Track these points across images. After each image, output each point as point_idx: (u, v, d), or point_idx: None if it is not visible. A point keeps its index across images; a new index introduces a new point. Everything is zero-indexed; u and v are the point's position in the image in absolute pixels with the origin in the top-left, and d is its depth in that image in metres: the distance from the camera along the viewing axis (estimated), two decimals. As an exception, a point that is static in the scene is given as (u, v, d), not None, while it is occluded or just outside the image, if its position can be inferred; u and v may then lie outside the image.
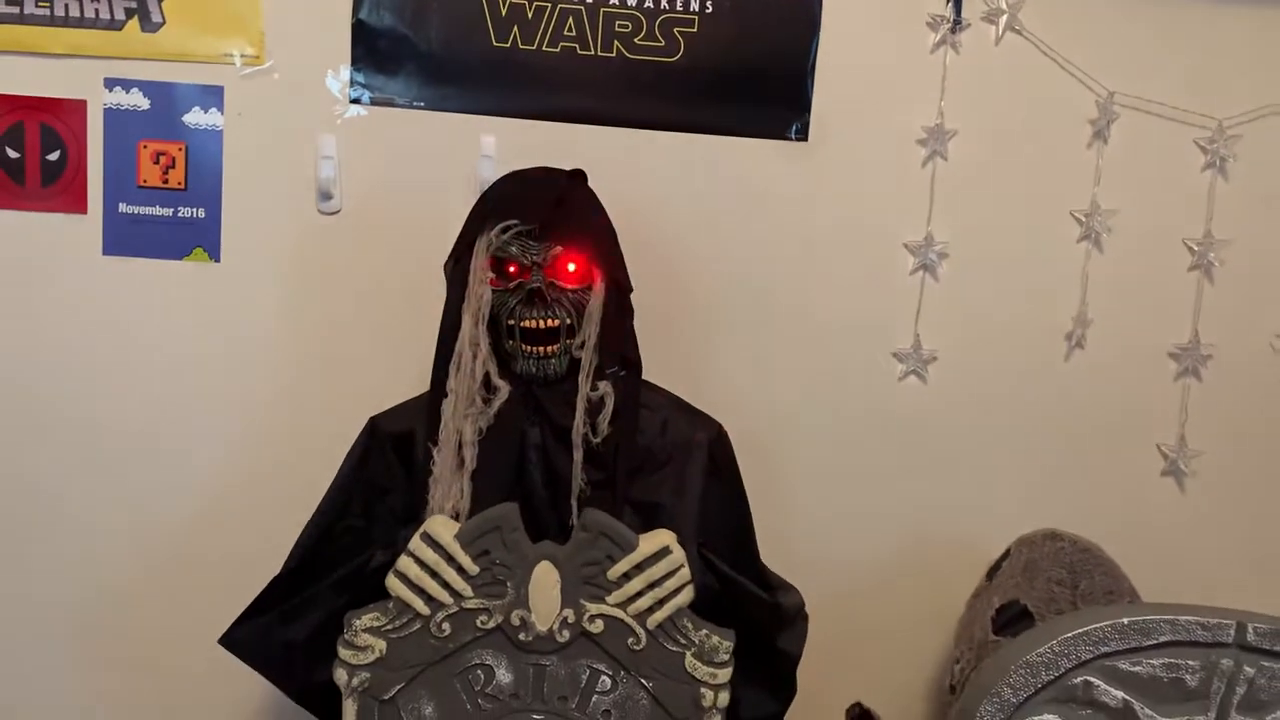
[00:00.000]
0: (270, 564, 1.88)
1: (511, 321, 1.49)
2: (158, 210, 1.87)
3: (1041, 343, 1.96)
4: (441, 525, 1.43)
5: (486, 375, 1.50)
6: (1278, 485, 2.00)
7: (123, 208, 1.87)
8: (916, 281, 1.94)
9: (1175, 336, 1.97)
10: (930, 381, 1.96)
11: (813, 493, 1.95)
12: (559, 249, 1.48)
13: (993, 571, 1.81)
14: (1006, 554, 1.81)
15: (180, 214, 1.87)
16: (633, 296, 1.58)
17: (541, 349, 1.49)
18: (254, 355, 1.89)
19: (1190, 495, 2.00)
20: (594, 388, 1.48)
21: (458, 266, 1.53)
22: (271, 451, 1.90)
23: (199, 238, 1.88)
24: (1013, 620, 1.68)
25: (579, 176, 1.56)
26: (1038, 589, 1.70)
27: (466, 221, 1.56)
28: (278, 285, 1.88)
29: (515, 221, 1.48)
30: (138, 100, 1.85)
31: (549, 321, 1.48)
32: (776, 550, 1.92)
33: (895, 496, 1.96)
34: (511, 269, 1.49)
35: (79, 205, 1.86)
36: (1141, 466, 1.99)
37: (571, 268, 1.49)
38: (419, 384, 1.88)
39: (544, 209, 1.47)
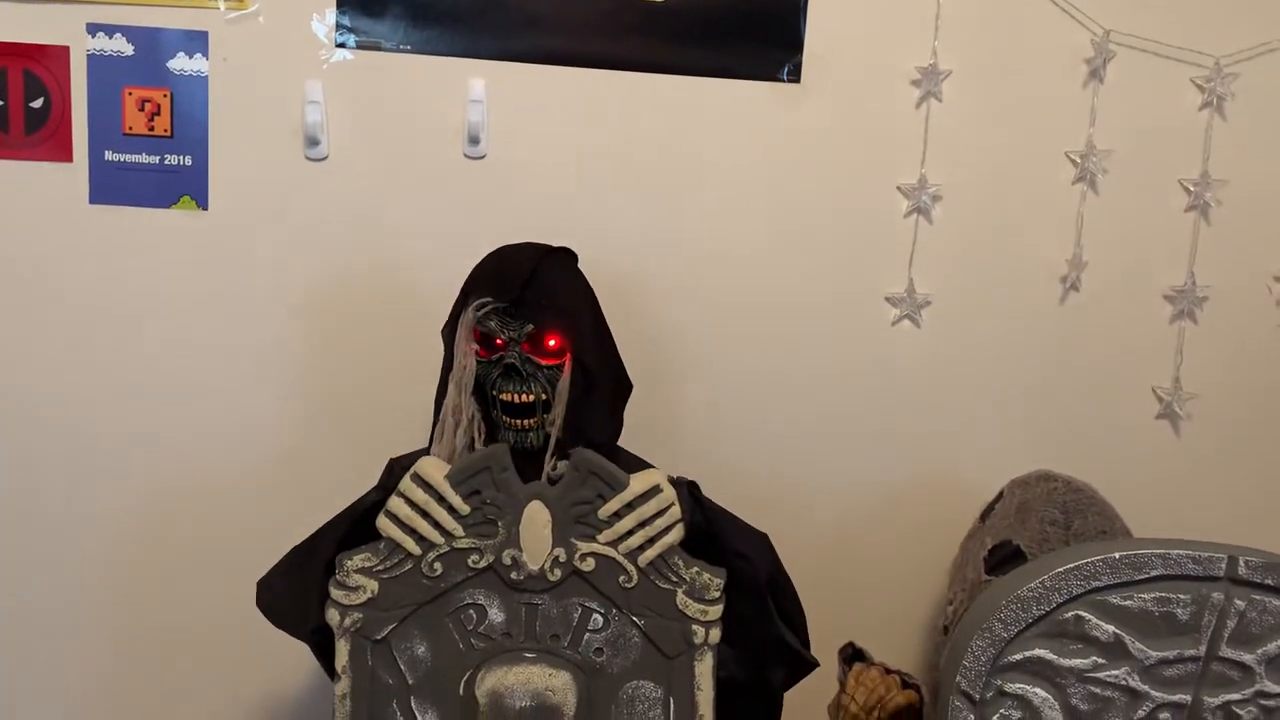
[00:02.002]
0: (260, 507, 1.89)
1: (494, 393, 1.53)
2: (144, 158, 1.85)
3: (1036, 286, 1.95)
4: (432, 465, 1.43)
5: (473, 441, 1.54)
6: (1273, 428, 2.00)
7: (108, 155, 1.85)
8: (910, 225, 1.92)
9: (1171, 278, 1.96)
10: (924, 326, 1.95)
11: (806, 438, 1.95)
12: (531, 326, 1.51)
13: (986, 513, 1.81)
14: (1000, 495, 1.80)
15: (167, 161, 1.86)
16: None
17: (519, 422, 1.52)
18: (243, 303, 1.87)
19: (1185, 438, 2.00)
20: (554, 466, 1.50)
21: (450, 334, 1.57)
22: (263, 399, 1.89)
23: (186, 185, 1.87)
24: (1005, 560, 1.68)
25: (558, 253, 1.59)
26: (1030, 529, 1.70)
27: (459, 293, 1.59)
28: (266, 233, 1.87)
29: (488, 299, 1.52)
30: (121, 46, 1.83)
31: (524, 396, 1.51)
32: (770, 496, 1.93)
33: (888, 441, 1.96)
34: (497, 341, 1.53)
35: (64, 153, 1.84)
36: (1136, 410, 1.99)
37: (552, 344, 1.52)
38: (408, 332, 1.89)
39: (515, 287, 1.51)
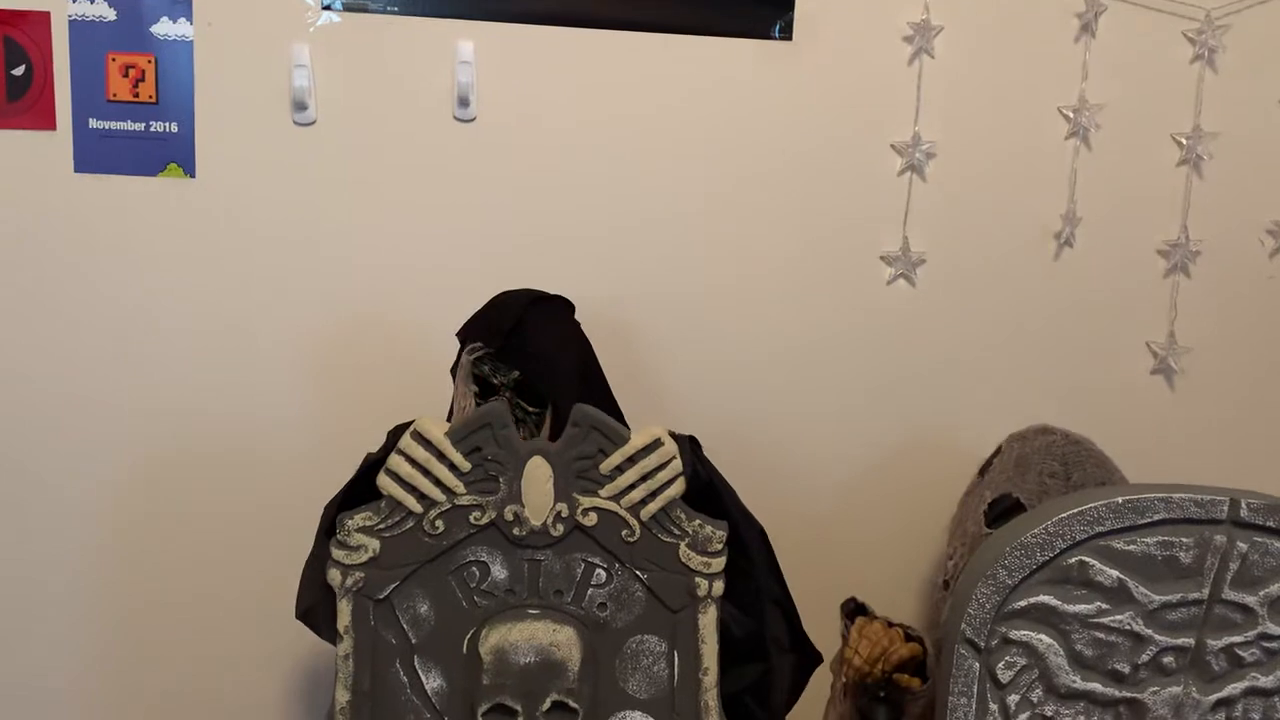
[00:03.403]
0: (253, 474, 1.88)
1: None
2: (129, 125, 1.83)
3: (1030, 242, 1.95)
4: (432, 423, 1.42)
5: None
6: (1266, 381, 2.01)
7: (93, 123, 1.82)
8: (904, 183, 1.92)
9: (1164, 233, 1.96)
10: (919, 284, 1.94)
11: (802, 399, 1.95)
12: (518, 372, 1.54)
13: (984, 468, 1.81)
14: (998, 451, 1.80)
15: (153, 129, 1.83)
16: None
17: None
18: (232, 272, 1.85)
19: (1180, 393, 2.00)
20: None
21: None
22: (252, 366, 1.87)
23: (173, 153, 1.84)
24: (1005, 513, 1.67)
25: (549, 302, 1.60)
26: (1030, 482, 1.70)
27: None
28: (255, 199, 1.85)
29: (479, 344, 1.56)
30: (103, 10, 1.80)
31: None
32: (768, 457, 1.93)
33: (885, 400, 1.96)
34: (493, 382, 1.56)
35: (47, 121, 1.82)
36: (1131, 365, 1.99)
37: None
38: (399, 297, 1.87)
39: (499, 335, 1.55)
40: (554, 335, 1.58)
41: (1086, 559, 1.39)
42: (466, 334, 1.60)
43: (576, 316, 1.65)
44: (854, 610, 1.68)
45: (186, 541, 1.90)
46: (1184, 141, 1.93)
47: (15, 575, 1.89)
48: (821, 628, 1.77)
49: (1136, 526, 1.39)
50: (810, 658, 1.55)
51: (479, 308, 1.62)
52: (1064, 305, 1.96)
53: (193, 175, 1.84)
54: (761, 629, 1.49)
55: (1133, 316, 1.98)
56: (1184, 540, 1.39)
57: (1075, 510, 1.38)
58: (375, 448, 1.46)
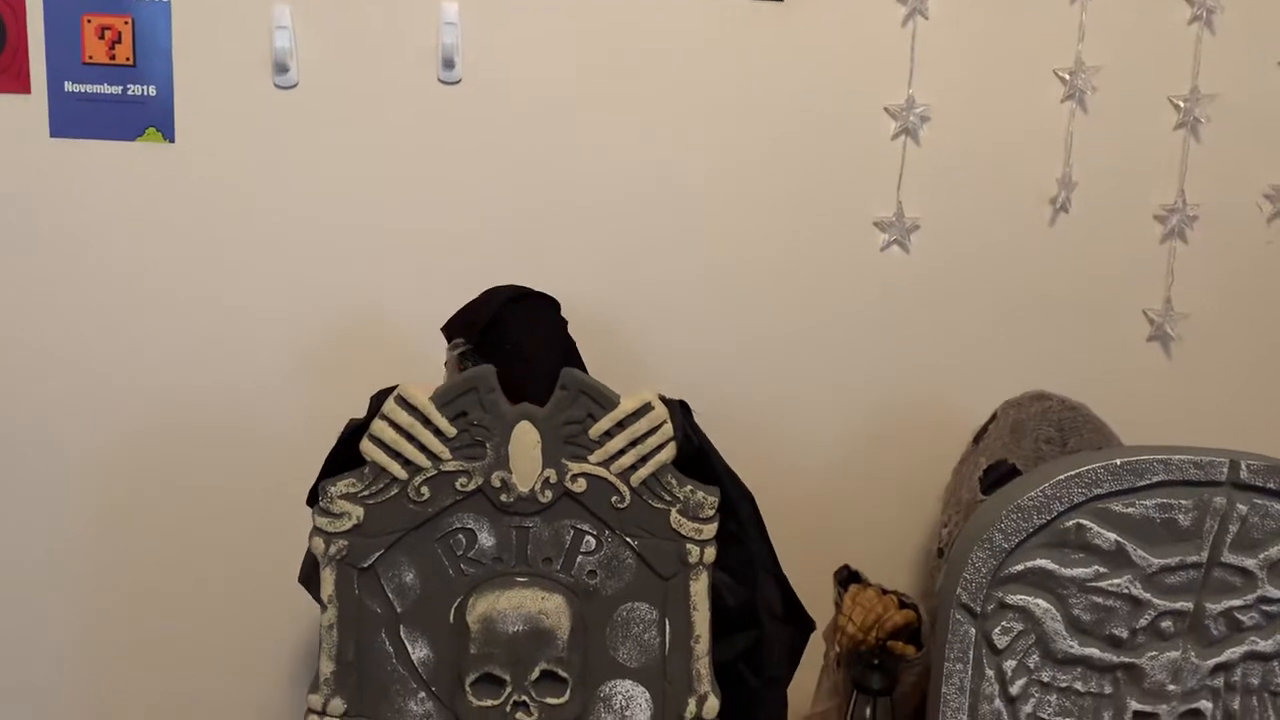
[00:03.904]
0: (237, 441, 1.84)
1: None
2: (106, 88, 1.78)
3: (1026, 207, 1.92)
4: (416, 388, 1.39)
5: None
6: (1264, 347, 1.99)
7: (68, 86, 1.78)
8: (898, 147, 1.89)
9: (1161, 197, 1.93)
10: (913, 251, 1.91)
11: (796, 365, 1.92)
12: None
13: (979, 436, 1.79)
14: (993, 417, 1.78)
15: (130, 92, 1.79)
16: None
17: None
18: (213, 238, 1.81)
19: (1176, 360, 1.98)
20: None
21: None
22: (236, 333, 1.83)
23: (151, 117, 1.80)
24: (1000, 480, 1.65)
25: (529, 300, 1.58)
26: (1025, 448, 1.68)
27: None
28: (235, 164, 1.81)
29: (460, 340, 1.55)
30: (78, -30, 1.75)
31: None
32: (760, 425, 1.91)
33: (878, 368, 1.93)
34: None
35: (21, 85, 1.77)
36: (1127, 332, 1.97)
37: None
38: (382, 261, 1.84)
39: (476, 331, 1.55)
40: (532, 333, 1.56)
41: (1084, 522, 1.37)
42: (450, 329, 1.60)
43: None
44: (847, 578, 1.66)
45: (170, 513, 1.87)
46: (1181, 104, 1.90)
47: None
48: (815, 596, 1.74)
49: (1135, 489, 1.37)
50: (805, 626, 1.53)
51: (468, 300, 1.60)
52: (1060, 271, 1.93)
53: (172, 140, 1.80)
54: (754, 596, 1.46)
55: (1129, 283, 1.95)
56: (1183, 503, 1.37)
57: (1073, 472, 1.36)
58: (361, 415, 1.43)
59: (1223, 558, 1.38)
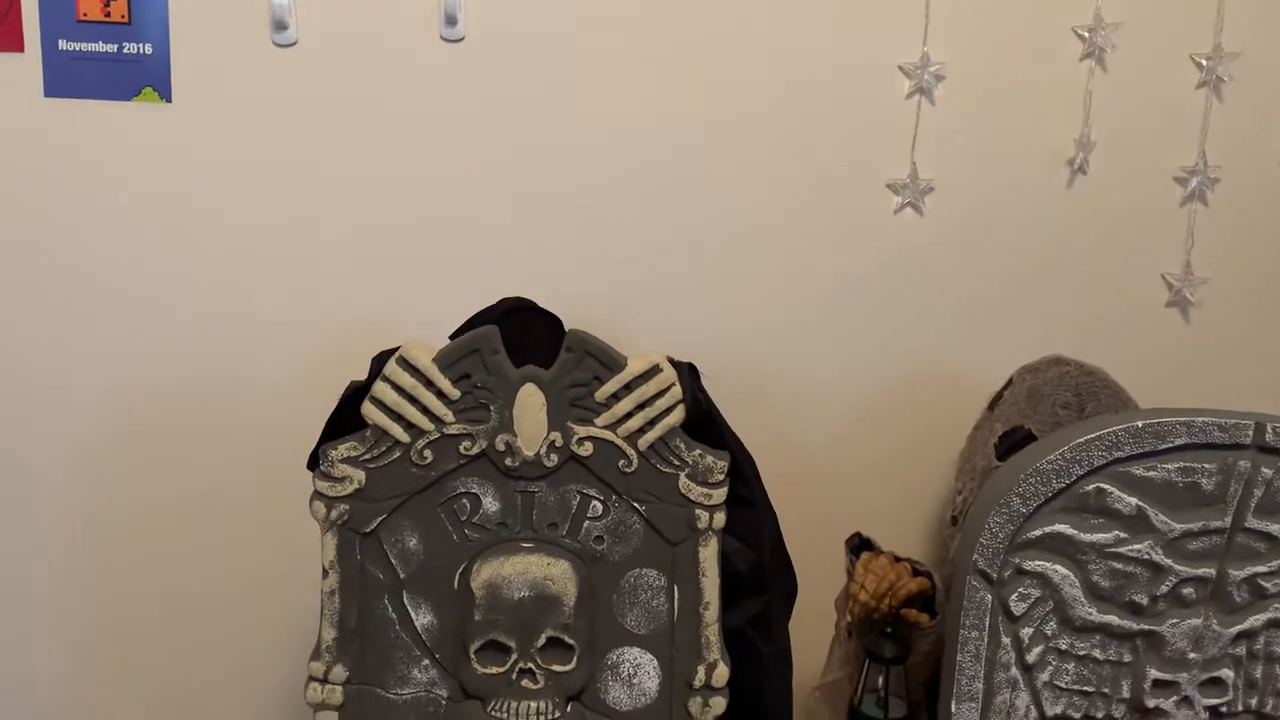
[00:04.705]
0: (242, 397, 1.82)
1: None
2: (100, 46, 1.74)
3: (1042, 169, 1.87)
4: (418, 349, 1.35)
5: None
6: (1285, 313, 1.95)
7: (62, 44, 1.74)
8: (912, 106, 1.84)
9: (1182, 159, 1.88)
10: (927, 214, 1.87)
11: (805, 332, 1.88)
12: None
13: (994, 402, 1.75)
14: (1009, 383, 1.74)
15: (125, 50, 1.75)
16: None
17: None
18: (211, 198, 1.78)
19: (1195, 326, 1.94)
20: None
21: None
22: (236, 297, 1.80)
23: (147, 76, 1.76)
24: (1016, 446, 1.61)
25: (524, 314, 1.52)
26: (1042, 414, 1.64)
27: None
28: (234, 124, 1.77)
29: None
30: (71, -76, 1.71)
31: None
32: (772, 390, 1.87)
33: (890, 333, 1.89)
34: None
35: (14, 43, 1.73)
36: (1145, 297, 1.92)
37: None
38: (386, 219, 1.80)
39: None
40: (519, 352, 1.47)
41: (1104, 486, 1.33)
42: (456, 336, 1.54)
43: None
44: (859, 546, 1.63)
45: (166, 482, 1.84)
46: (1204, 63, 1.84)
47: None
48: (826, 565, 1.72)
49: (1157, 452, 1.33)
50: (792, 589, 1.51)
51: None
52: (1077, 235, 1.89)
53: (168, 100, 1.76)
54: (763, 560, 1.43)
55: (1148, 246, 1.90)
56: (1206, 466, 1.33)
57: (1093, 435, 1.32)
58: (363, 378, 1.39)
59: (1246, 523, 1.35)
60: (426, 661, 1.40)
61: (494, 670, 1.37)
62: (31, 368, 1.81)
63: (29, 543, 1.85)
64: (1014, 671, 1.38)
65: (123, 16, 1.74)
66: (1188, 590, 1.36)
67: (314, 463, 1.37)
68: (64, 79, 1.75)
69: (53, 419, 1.82)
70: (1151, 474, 1.33)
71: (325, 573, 1.37)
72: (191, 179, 1.78)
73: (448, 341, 1.49)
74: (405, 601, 1.39)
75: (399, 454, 1.35)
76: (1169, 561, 1.35)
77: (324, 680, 1.38)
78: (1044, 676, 1.38)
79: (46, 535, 1.85)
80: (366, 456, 1.35)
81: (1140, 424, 1.32)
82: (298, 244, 1.80)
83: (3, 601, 1.87)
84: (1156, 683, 1.37)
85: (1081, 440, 1.32)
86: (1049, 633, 1.37)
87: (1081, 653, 1.38)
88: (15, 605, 1.87)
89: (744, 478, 1.43)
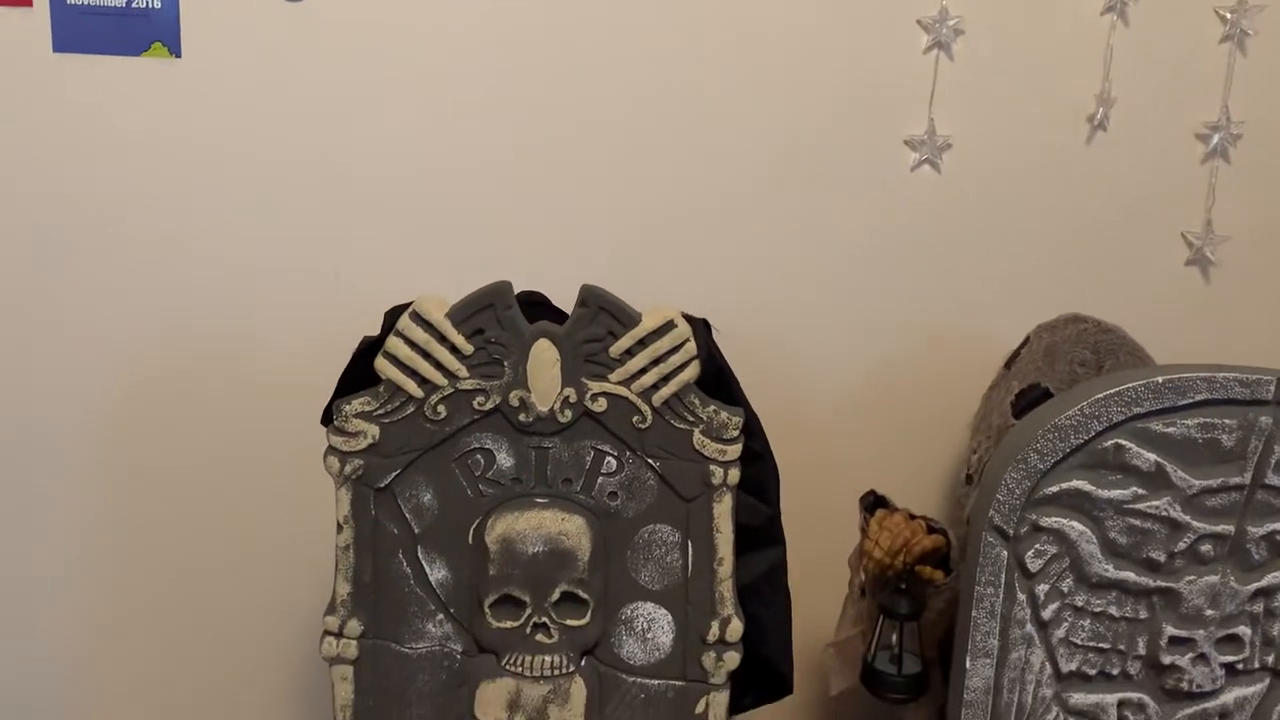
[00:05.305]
0: (250, 353, 1.81)
1: None
2: (109, 1, 1.72)
3: (1062, 125, 1.84)
4: (431, 303, 1.35)
5: None
6: (1306, 272, 1.92)
7: (70, -1, 1.72)
8: (930, 61, 1.81)
9: (1204, 114, 1.85)
10: (945, 171, 1.85)
11: (822, 290, 1.86)
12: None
13: (1011, 360, 1.74)
14: (1026, 342, 1.73)
15: (134, 5, 1.73)
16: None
17: None
18: (221, 155, 1.76)
19: (1215, 285, 1.92)
20: None
21: None
22: (245, 249, 1.79)
23: (157, 31, 1.74)
24: (1033, 403, 1.59)
25: (535, 308, 1.46)
26: (1060, 371, 1.62)
27: None
28: (244, 81, 1.75)
29: None
30: (80, -125, 1.69)
31: None
32: (789, 347, 1.86)
33: (908, 291, 1.87)
34: None
35: (24, -3, 1.72)
36: (1165, 255, 1.90)
37: None
38: (398, 173, 1.79)
39: None
40: None
41: (1123, 442, 1.32)
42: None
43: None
44: (873, 503, 1.62)
45: (181, 436, 1.84)
46: (1227, 16, 1.81)
47: None
48: (840, 524, 1.72)
49: (1177, 408, 1.32)
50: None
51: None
52: (1096, 192, 1.86)
53: (178, 55, 1.74)
54: (775, 514, 1.43)
55: (1168, 204, 1.88)
56: (1227, 422, 1.32)
57: (1112, 390, 1.31)
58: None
59: (1266, 479, 1.34)
60: (441, 616, 1.40)
61: (508, 624, 1.37)
62: (40, 323, 1.80)
63: (47, 498, 1.86)
64: (1029, 628, 1.38)
65: (131, -30, 1.72)
66: (1206, 547, 1.35)
67: (328, 418, 1.37)
68: (73, 34, 1.73)
69: (67, 372, 1.81)
70: (1171, 430, 1.32)
71: (340, 528, 1.37)
72: (200, 134, 1.76)
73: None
74: (420, 556, 1.39)
75: (412, 409, 1.35)
76: (1187, 518, 1.34)
77: (339, 634, 1.39)
78: (1059, 633, 1.38)
79: (64, 489, 1.86)
80: (380, 411, 1.35)
81: (1160, 379, 1.31)
82: (307, 198, 1.79)
83: (23, 558, 1.87)
84: (1173, 639, 1.37)
85: (1100, 396, 1.31)
86: (1065, 589, 1.36)
87: (1097, 609, 1.37)
88: (35, 562, 1.88)
89: (754, 432, 1.42)
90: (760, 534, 1.42)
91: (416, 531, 1.38)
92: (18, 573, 1.87)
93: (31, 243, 1.78)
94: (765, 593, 1.43)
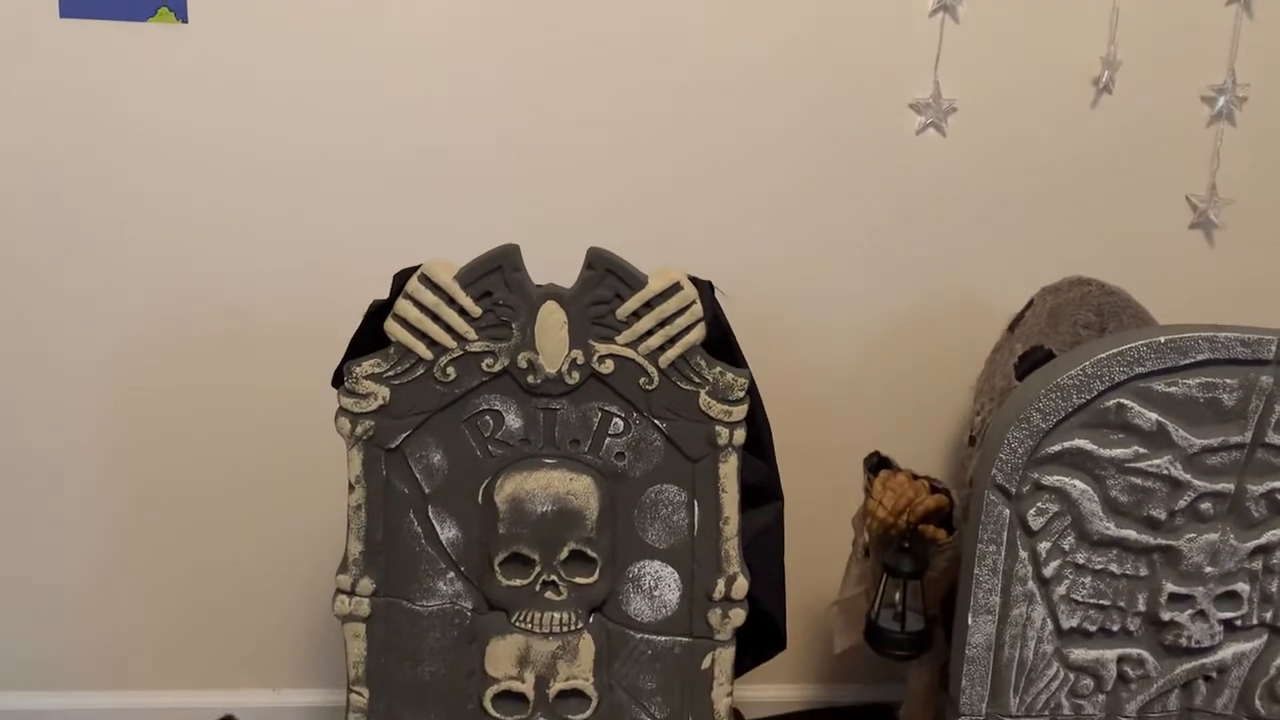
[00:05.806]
0: (257, 320, 1.83)
1: None
2: (115, -34, 1.73)
3: (1067, 88, 1.84)
4: (439, 266, 1.36)
5: None
6: (1311, 235, 1.93)
7: (77, -36, 1.72)
8: (936, 24, 1.81)
9: (1209, 77, 1.85)
10: (950, 134, 1.85)
11: (827, 253, 1.87)
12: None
13: (1015, 323, 1.75)
14: (1030, 304, 1.74)
15: (140, -30, 1.73)
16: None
17: None
18: (226, 121, 1.77)
19: (1219, 249, 1.92)
20: None
21: None
22: (253, 214, 1.80)
23: (163, -4, 1.74)
24: (1036, 365, 1.61)
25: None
26: (1063, 333, 1.64)
27: None
28: (251, 46, 1.75)
29: None
30: None
31: None
32: (793, 310, 1.87)
33: (912, 254, 1.88)
34: None
35: (29, -37, 1.72)
36: (1169, 219, 1.91)
37: None
38: (406, 138, 1.79)
39: None
40: None
41: (1125, 401, 1.33)
42: None
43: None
44: (877, 464, 1.64)
45: (194, 396, 1.86)
46: (1235, -23, 1.81)
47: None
48: (844, 485, 1.74)
49: (1179, 367, 1.33)
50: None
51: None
52: (1100, 155, 1.87)
53: (185, 20, 1.74)
54: (773, 470, 1.45)
55: (1173, 167, 1.88)
56: (1228, 382, 1.33)
57: (1114, 350, 1.32)
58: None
59: (1267, 438, 1.35)
60: (452, 574, 1.42)
61: (518, 582, 1.39)
62: (45, 288, 1.81)
63: (63, 455, 1.88)
64: (1031, 585, 1.40)
65: (136, -65, 1.72)
66: (1206, 505, 1.37)
67: (338, 379, 1.39)
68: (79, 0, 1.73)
69: (75, 339, 1.83)
70: (1173, 389, 1.33)
71: (351, 487, 1.39)
72: (207, 101, 1.77)
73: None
74: (430, 515, 1.41)
75: (422, 371, 1.37)
76: (1188, 477, 1.35)
77: (351, 593, 1.41)
78: (1060, 590, 1.40)
79: (79, 450, 1.88)
80: (390, 373, 1.37)
81: (1162, 339, 1.32)
82: (314, 166, 1.79)
83: (40, 512, 1.90)
84: (1172, 596, 1.39)
85: (1103, 355, 1.32)
86: (1066, 547, 1.38)
87: (1098, 567, 1.39)
88: (51, 514, 1.91)
89: (752, 392, 1.43)
90: (760, 490, 1.44)
91: (427, 491, 1.40)
92: (19, 565, 1.90)
93: (34, 206, 1.78)
94: (767, 547, 1.45)
